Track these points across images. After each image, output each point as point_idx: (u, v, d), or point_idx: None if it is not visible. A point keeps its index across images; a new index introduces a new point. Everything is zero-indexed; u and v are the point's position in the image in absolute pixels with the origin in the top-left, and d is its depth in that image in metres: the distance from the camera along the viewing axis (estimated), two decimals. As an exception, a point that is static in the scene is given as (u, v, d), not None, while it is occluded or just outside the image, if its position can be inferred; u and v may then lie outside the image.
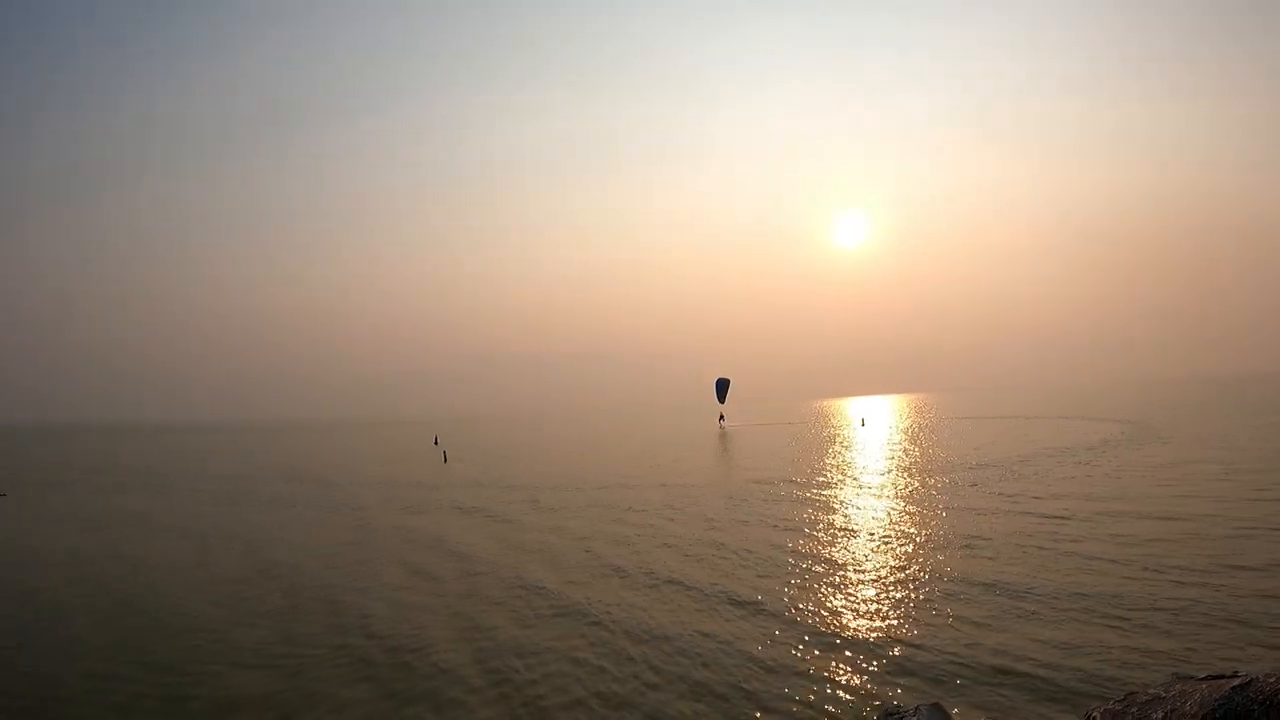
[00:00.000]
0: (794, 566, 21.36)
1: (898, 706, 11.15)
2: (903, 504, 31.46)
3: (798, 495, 35.21)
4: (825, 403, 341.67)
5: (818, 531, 26.12)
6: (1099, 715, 8.43)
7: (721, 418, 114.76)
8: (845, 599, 17.95)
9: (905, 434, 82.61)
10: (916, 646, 14.25)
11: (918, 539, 24.07)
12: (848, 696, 12.34)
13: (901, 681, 12.69)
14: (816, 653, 14.33)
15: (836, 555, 22.30)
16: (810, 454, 60.24)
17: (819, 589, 18.90)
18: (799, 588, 19.07)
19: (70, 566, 25.97)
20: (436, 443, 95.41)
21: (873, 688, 12.51)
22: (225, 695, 13.81)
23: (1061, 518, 25.92)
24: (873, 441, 72.91)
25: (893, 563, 21.19)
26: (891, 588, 18.56)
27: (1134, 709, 8.16)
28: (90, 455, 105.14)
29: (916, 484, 37.26)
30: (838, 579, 19.83)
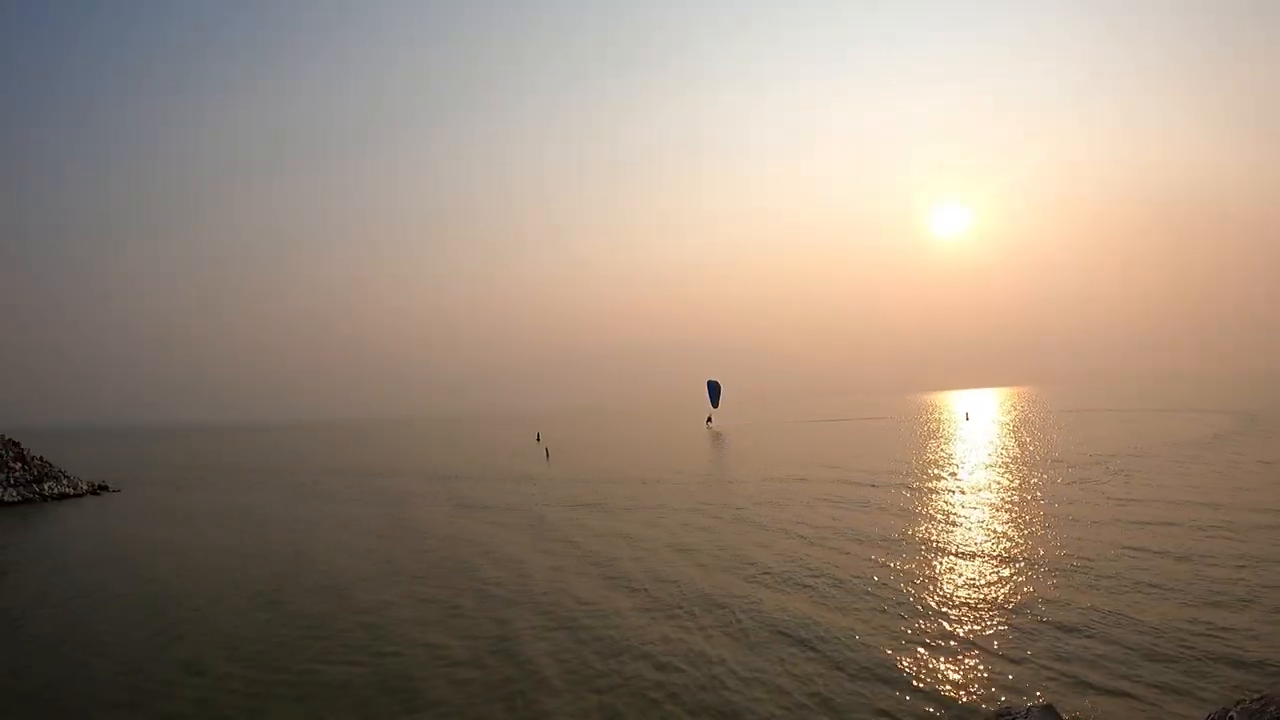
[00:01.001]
0: (884, 578, 21.69)
1: (1009, 707, 11.51)
2: (1016, 511, 30.64)
3: (891, 494, 34.95)
4: (927, 396, 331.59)
5: (901, 544, 25.83)
6: (1236, 714, 8.62)
7: (709, 419, 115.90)
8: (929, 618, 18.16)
9: (1010, 429, 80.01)
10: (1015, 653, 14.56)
11: (1029, 555, 23.72)
12: (960, 696, 12.80)
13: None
14: (925, 653, 14.88)
15: (919, 573, 21.97)
16: (913, 450, 59.04)
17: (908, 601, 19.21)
18: (897, 596, 19.48)
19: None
20: (539, 439, 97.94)
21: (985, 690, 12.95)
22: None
23: (1184, 526, 24.85)
24: (978, 436, 70.88)
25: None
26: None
27: (1272, 708, 8.31)
28: (249, 453, 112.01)
29: (1026, 482, 36.40)
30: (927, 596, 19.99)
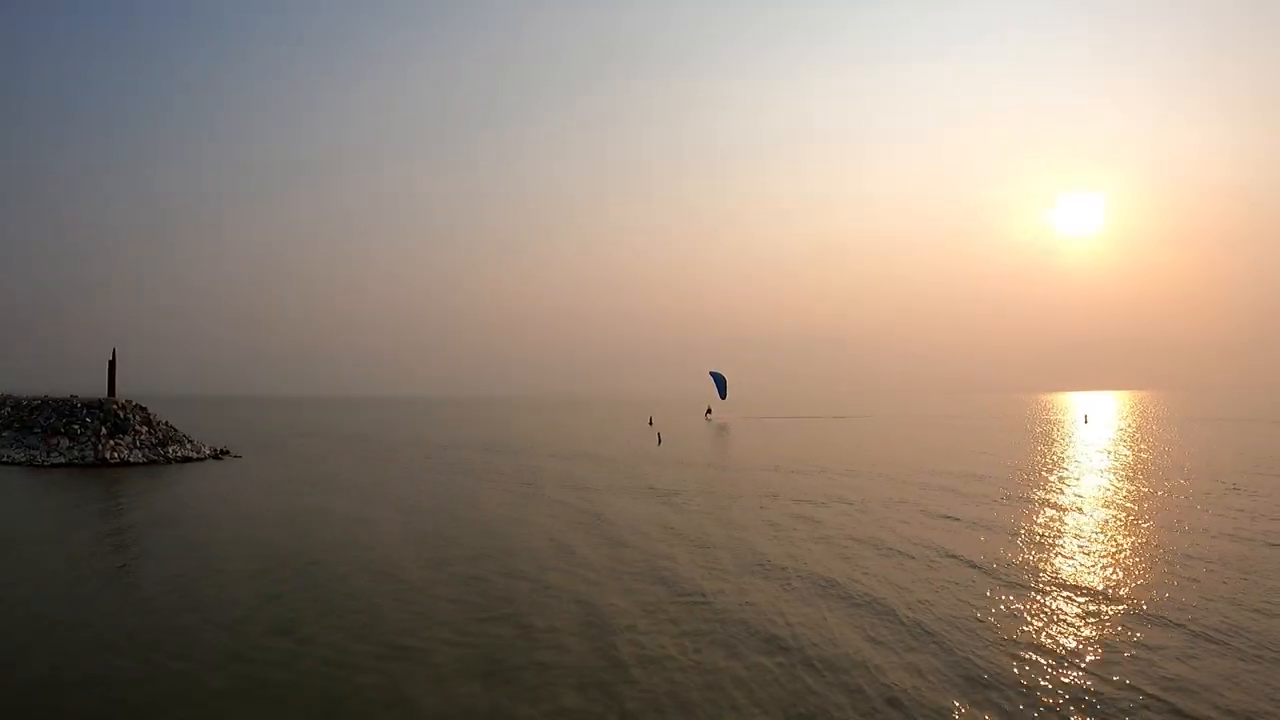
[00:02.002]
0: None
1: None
2: (1136, 536, 25.85)
3: (983, 504, 30.60)
4: (1046, 396, 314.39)
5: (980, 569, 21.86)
6: None
7: (709, 411, 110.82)
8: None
9: (1133, 435, 72.60)
10: None
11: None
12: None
13: None
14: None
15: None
16: (1024, 454, 53.68)
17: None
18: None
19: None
20: (651, 423, 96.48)
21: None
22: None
23: None
24: (1097, 442, 64.18)
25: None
26: None
27: None
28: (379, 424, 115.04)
29: (1151, 498, 31.47)
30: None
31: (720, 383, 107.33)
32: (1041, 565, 20.10)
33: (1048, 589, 17.79)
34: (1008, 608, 16.29)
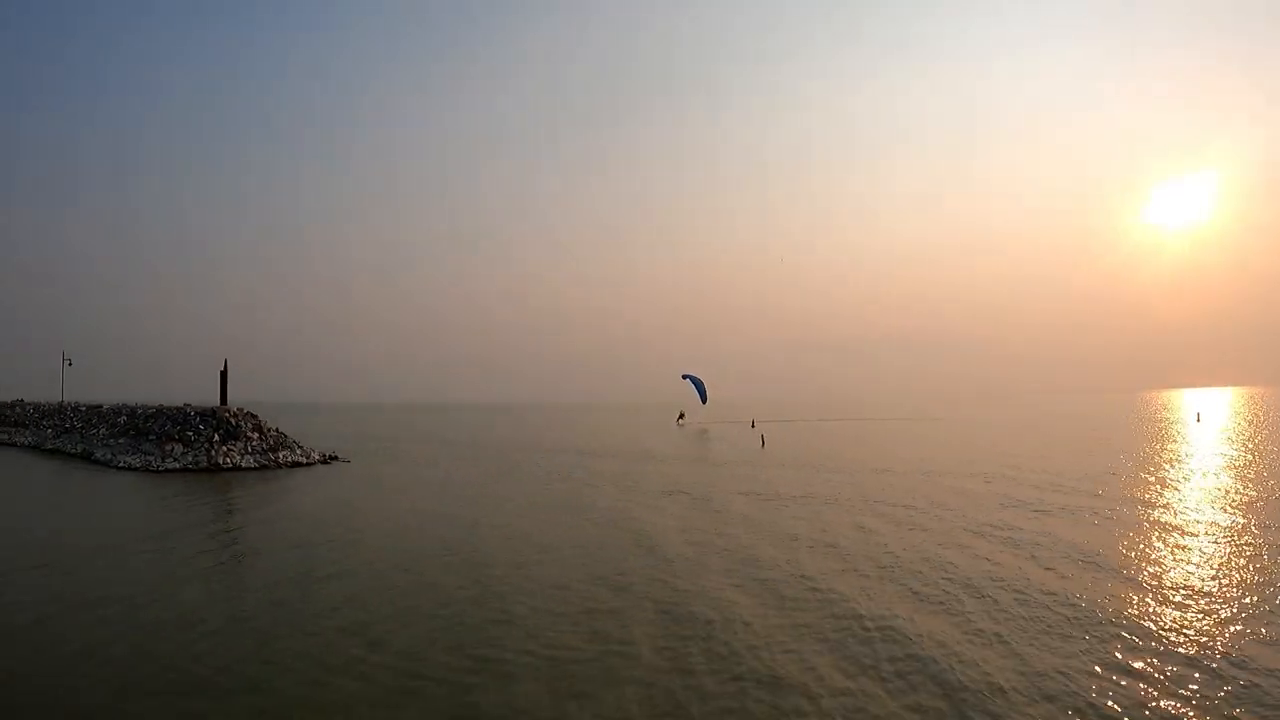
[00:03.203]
0: None
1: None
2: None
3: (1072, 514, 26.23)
4: (1156, 394, 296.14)
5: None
6: None
7: (681, 416, 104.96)
8: None
9: (1250, 437, 65.34)
10: None
11: None
12: None
13: None
14: None
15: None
16: (1125, 456, 48.15)
17: None
18: None
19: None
20: (753, 425, 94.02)
21: None
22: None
23: None
24: (1208, 443, 57.81)
25: None
26: None
27: None
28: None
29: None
30: None
31: (699, 386, 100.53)
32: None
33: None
34: None
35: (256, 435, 48.28)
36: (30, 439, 62.47)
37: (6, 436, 65.65)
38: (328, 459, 49.35)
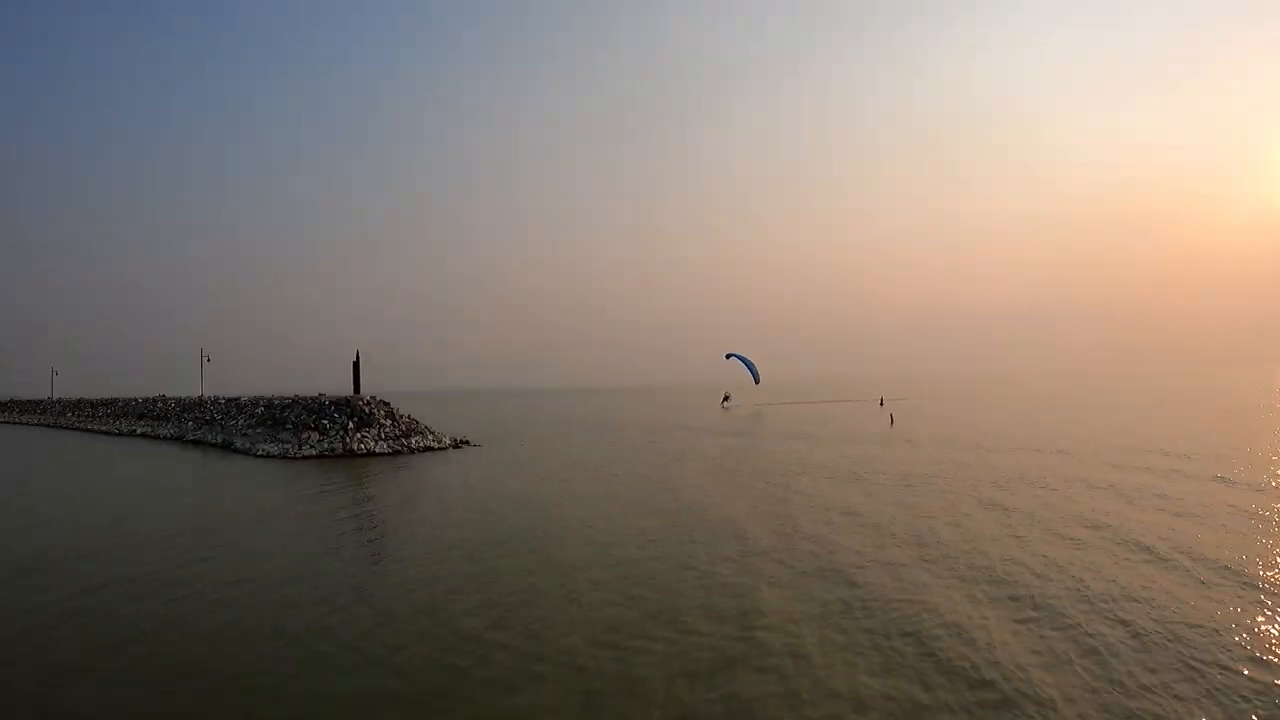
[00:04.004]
0: None
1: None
2: None
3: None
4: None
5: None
6: None
7: (726, 398, 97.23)
8: None
9: None
10: None
11: None
12: None
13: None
14: None
15: None
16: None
17: None
18: None
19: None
20: (881, 404, 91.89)
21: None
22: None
23: None
24: None
25: None
26: None
27: None
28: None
29: None
30: None
31: (750, 366, 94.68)
32: None
33: None
34: None
35: (389, 422, 49.15)
36: (171, 431, 65.62)
37: (150, 429, 69.23)
38: (459, 443, 49.84)
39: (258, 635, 13.39)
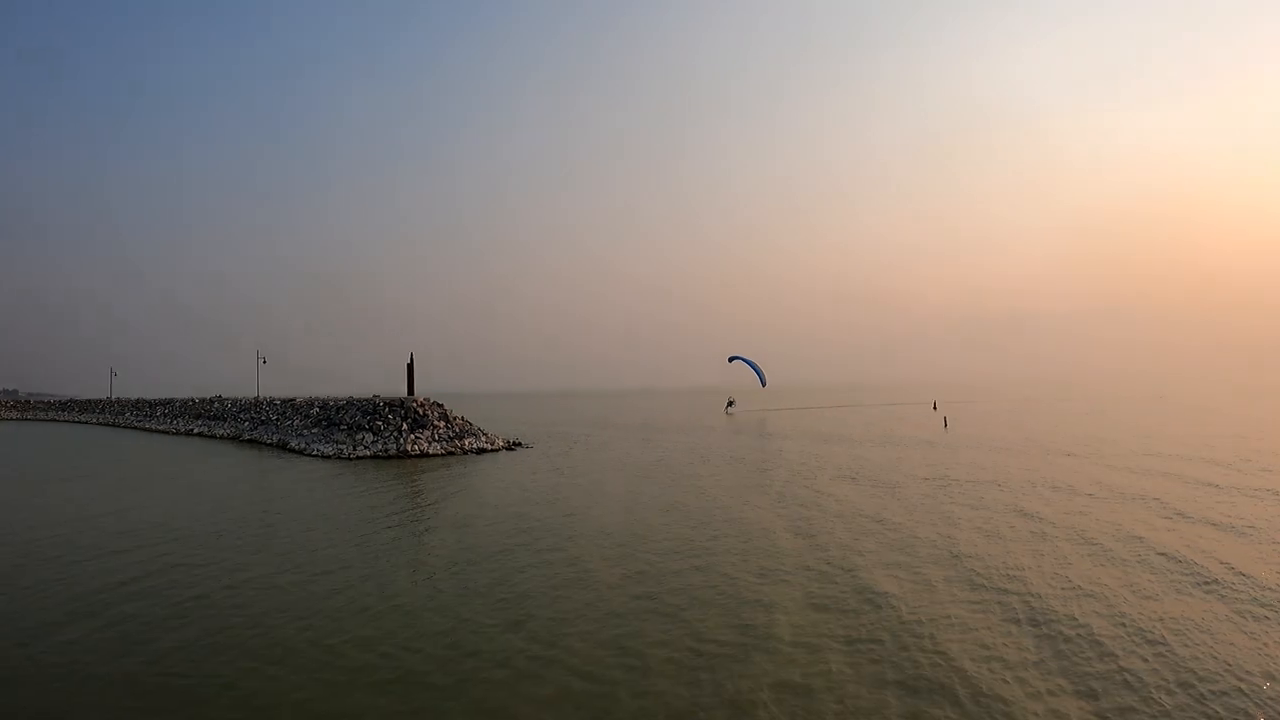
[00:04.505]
0: None
1: None
2: None
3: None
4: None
5: None
6: None
7: (730, 404, 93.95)
8: None
9: None
10: None
11: None
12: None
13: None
14: None
15: None
16: None
17: None
18: None
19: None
20: (935, 408, 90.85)
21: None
22: None
23: None
24: None
25: None
26: None
27: None
28: None
29: None
30: None
31: (756, 369, 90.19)
32: None
33: None
34: None
35: (443, 424, 49.49)
36: (228, 430, 67.02)
37: (207, 429, 70.80)
38: (511, 445, 49.99)
39: (275, 635, 13.63)
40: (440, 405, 51.41)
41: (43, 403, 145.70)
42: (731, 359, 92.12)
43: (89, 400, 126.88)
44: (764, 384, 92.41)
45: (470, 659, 12.05)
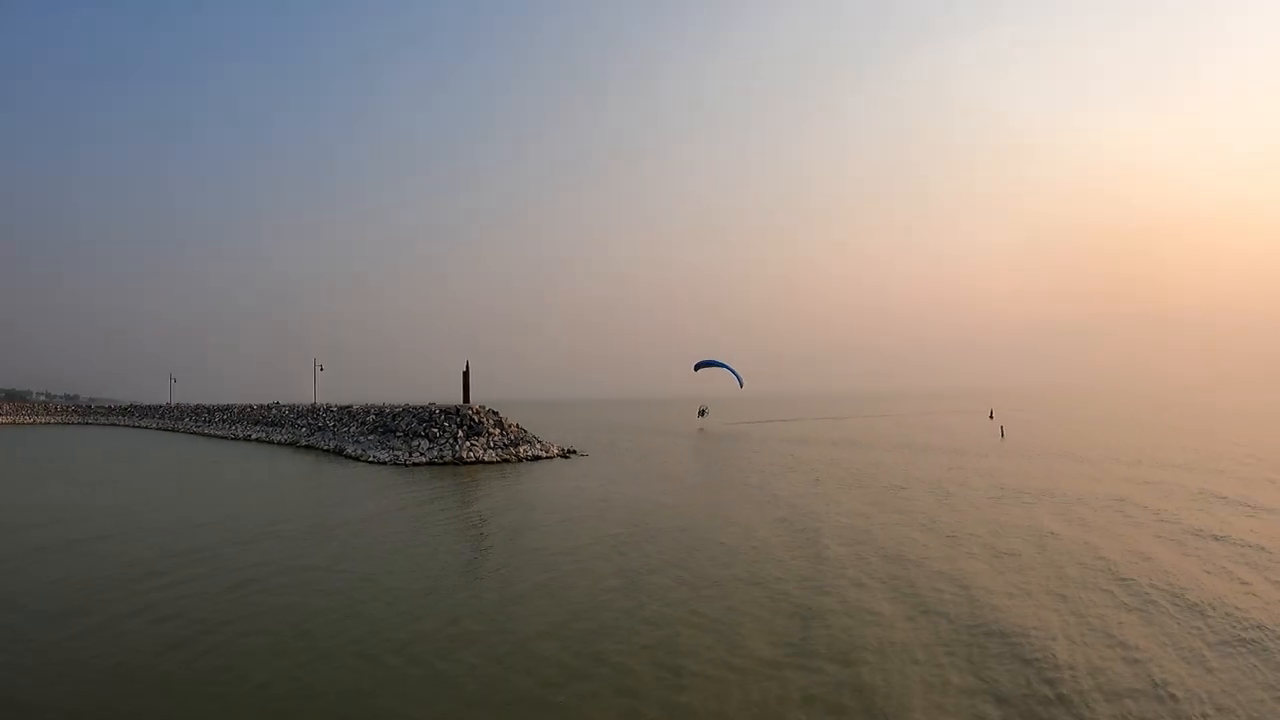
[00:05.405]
0: None
1: None
2: None
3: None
4: None
5: None
6: None
7: (702, 412, 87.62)
8: None
9: None
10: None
11: None
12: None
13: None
14: None
15: None
16: None
17: None
18: None
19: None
20: (991, 416, 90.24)
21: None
22: None
23: None
24: None
25: None
26: None
27: None
28: None
29: None
30: None
31: (732, 372, 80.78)
32: None
33: None
34: None
35: (498, 431, 49.72)
36: (285, 436, 68.34)
37: (264, 435, 72.29)
38: (566, 453, 50.00)
39: (321, 634, 13.92)
40: (495, 413, 51.70)
41: (103, 408, 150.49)
42: (697, 367, 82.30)
43: (149, 405, 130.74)
44: (741, 385, 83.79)
45: (494, 666, 12.19)
